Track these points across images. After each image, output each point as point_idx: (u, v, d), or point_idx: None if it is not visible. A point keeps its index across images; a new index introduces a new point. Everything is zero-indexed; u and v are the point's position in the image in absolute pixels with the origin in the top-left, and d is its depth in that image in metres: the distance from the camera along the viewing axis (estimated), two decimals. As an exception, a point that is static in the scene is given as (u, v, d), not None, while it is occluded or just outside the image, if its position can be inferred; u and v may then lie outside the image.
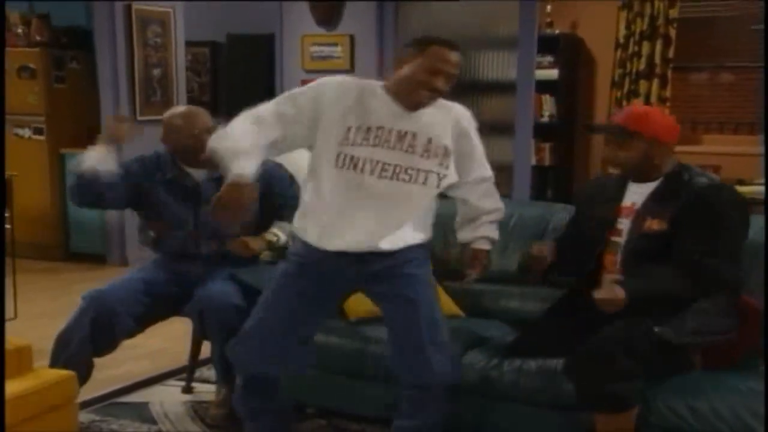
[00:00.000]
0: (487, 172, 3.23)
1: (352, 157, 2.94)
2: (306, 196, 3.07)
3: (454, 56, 2.97)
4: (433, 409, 3.01)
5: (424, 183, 2.99)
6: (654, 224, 3.03)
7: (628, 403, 2.83)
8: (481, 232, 3.26)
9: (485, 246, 3.27)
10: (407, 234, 3.01)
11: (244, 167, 2.83)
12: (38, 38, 7.31)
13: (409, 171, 2.97)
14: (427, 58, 2.94)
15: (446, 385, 3.00)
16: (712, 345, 3.00)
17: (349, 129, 2.95)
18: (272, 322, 3.08)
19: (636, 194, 3.13)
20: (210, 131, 3.64)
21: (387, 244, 2.98)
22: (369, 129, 2.96)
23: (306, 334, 3.17)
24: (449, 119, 3.07)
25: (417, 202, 3.01)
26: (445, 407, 3.04)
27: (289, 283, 3.10)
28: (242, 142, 2.88)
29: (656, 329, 2.88)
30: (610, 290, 2.89)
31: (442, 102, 3.07)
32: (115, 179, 3.69)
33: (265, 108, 3.00)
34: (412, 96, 2.97)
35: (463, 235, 3.31)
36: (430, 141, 2.99)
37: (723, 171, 6.79)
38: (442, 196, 3.16)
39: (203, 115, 3.82)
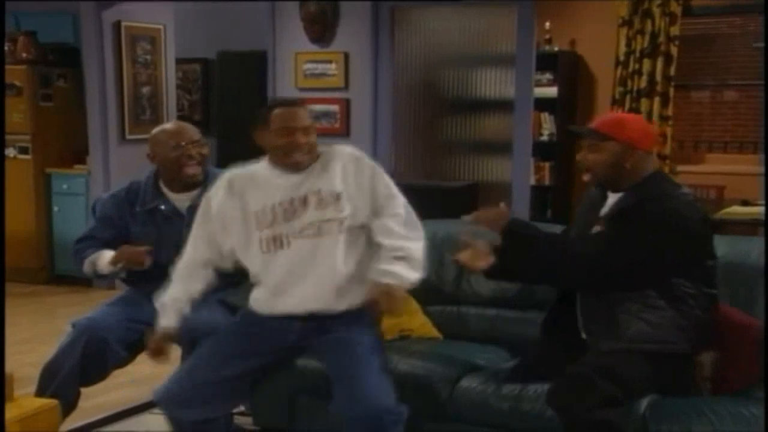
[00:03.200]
0: (392, 208, 3.14)
1: (273, 238, 3.11)
2: (251, 277, 3.27)
3: (297, 110, 3.13)
4: None
5: (329, 232, 3.09)
6: (596, 229, 3.08)
7: (619, 429, 2.80)
8: (381, 266, 3.06)
9: (386, 279, 3.02)
10: (339, 297, 3.10)
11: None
12: (24, 55, 7.24)
13: (312, 227, 3.09)
14: (273, 124, 3.10)
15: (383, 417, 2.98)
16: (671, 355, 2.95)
17: (255, 213, 3.13)
18: (202, 369, 3.19)
19: (608, 205, 3.10)
20: (196, 144, 3.71)
21: (320, 305, 3.11)
22: (273, 207, 3.12)
23: (234, 383, 3.22)
24: (333, 165, 3.14)
25: (331, 253, 3.09)
26: None
27: (228, 337, 3.28)
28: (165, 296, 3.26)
29: (584, 336, 2.99)
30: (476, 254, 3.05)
31: (326, 150, 3.18)
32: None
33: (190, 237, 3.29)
34: (286, 162, 3.13)
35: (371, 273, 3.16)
36: (320, 191, 3.11)
37: (727, 191, 6.69)
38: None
39: (189, 129, 3.78)
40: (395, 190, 3.19)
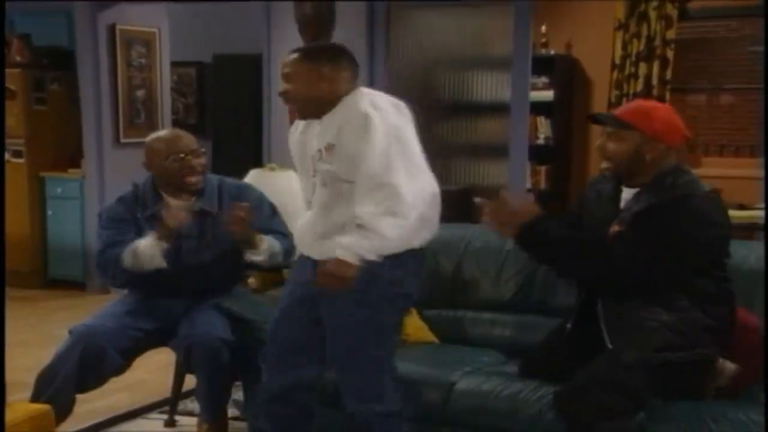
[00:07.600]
0: (369, 169, 2.88)
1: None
2: None
3: (285, 58, 3.05)
4: None
5: (324, 184, 3.02)
6: (615, 227, 2.95)
7: None
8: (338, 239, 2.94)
9: (340, 254, 2.85)
10: (334, 244, 2.91)
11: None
12: (18, 59, 7.26)
13: (317, 175, 3.05)
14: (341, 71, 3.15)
15: (374, 413, 2.97)
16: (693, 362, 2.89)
17: (312, 157, 3.08)
18: (277, 339, 3.18)
19: (625, 201, 3.02)
20: (196, 154, 3.66)
21: (316, 254, 3.02)
22: (311, 154, 3.08)
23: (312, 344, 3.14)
24: (336, 114, 3.02)
25: (328, 203, 3.00)
26: None
27: (284, 300, 3.22)
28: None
29: (610, 347, 2.87)
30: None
31: (344, 100, 3.04)
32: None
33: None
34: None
35: None
36: (323, 142, 3.03)
37: (723, 195, 6.66)
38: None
39: (186, 138, 3.71)
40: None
